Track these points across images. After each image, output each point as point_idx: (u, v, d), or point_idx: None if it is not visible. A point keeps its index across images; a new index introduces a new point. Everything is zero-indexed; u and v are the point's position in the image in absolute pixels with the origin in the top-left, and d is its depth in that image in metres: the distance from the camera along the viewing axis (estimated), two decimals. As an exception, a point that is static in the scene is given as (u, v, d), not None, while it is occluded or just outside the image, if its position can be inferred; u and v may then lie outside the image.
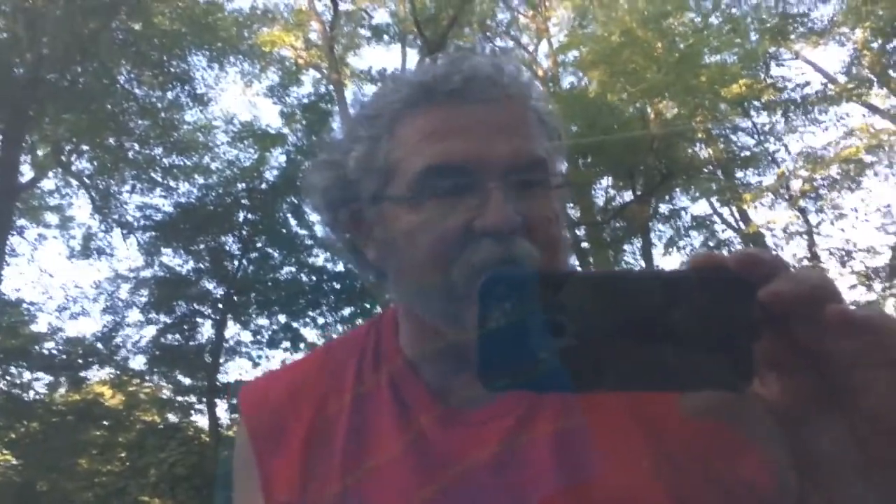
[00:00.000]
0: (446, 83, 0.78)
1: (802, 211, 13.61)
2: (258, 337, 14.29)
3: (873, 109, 14.08)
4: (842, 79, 14.19)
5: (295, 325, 14.24)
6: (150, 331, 14.02)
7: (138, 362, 14.26)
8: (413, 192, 0.76)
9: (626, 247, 15.10)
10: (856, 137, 13.30)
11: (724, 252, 0.44)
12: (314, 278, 14.16)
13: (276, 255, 14.36)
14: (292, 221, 13.94)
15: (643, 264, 14.39)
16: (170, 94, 13.62)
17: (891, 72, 13.73)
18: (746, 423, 0.44)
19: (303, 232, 13.91)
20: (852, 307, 0.41)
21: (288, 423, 0.85)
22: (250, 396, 0.91)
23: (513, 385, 0.42)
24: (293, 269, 14.34)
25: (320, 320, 14.25)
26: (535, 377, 0.42)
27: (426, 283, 0.76)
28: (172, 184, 13.90)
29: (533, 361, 0.41)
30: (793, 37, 14.60)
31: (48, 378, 13.83)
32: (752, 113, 14.23)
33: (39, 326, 13.79)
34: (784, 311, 0.41)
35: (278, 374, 0.97)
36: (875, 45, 13.57)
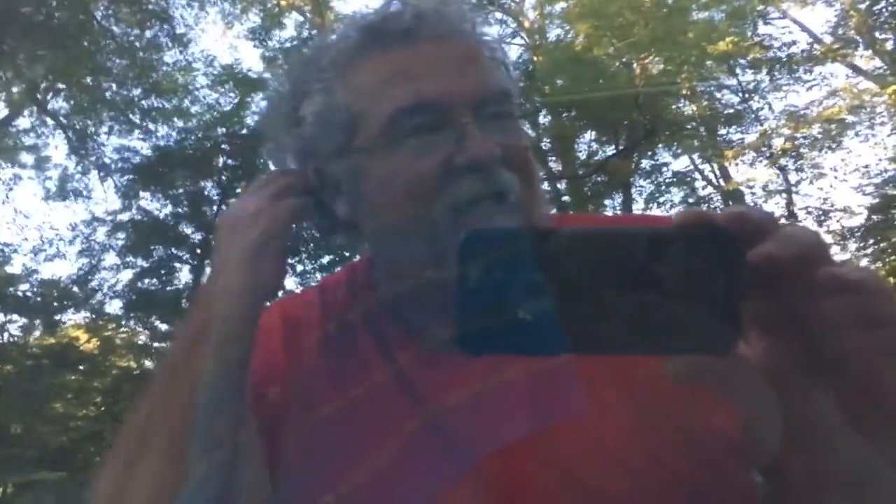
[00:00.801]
0: (396, 23, 0.76)
1: (783, 169, 13.73)
2: (236, 283, 14.21)
3: (857, 70, 14.15)
4: (828, 39, 14.23)
5: (273, 271, 14.17)
6: (127, 275, 13.95)
7: (114, 306, 14.20)
8: (385, 137, 0.74)
9: (606, 201, 15.16)
10: (839, 97, 13.40)
11: (707, 209, 0.43)
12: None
13: (255, 200, 14.22)
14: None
15: (624, 220, 14.43)
16: (148, 33, 13.26)
17: (877, 33, 13.78)
18: (731, 386, 0.42)
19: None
20: (845, 268, 0.40)
21: (267, 354, 0.83)
22: (271, 313, 0.90)
23: (492, 349, 0.41)
24: (272, 216, 14.22)
25: (299, 268, 14.21)
26: (515, 340, 0.40)
27: (409, 225, 0.74)
28: (151, 126, 13.65)
29: (513, 323, 0.40)
30: (781, -5, 14.57)
31: (23, 320, 13.76)
32: (738, 71, 14.27)
33: (14, 268, 13.68)
34: (774, 272, 0.40)
35: (295, 299, 0.96)
36: (862, 6, 13.59)
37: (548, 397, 0.72)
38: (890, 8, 13.39)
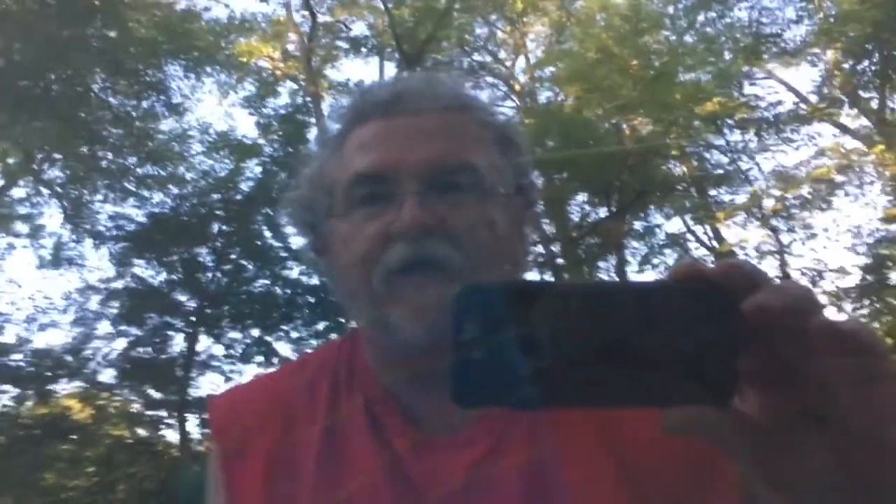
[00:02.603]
0: (378, 97, 0.82)
1: (774, 230, 13.79)
2: (231, 351, 14.16)
3: (844, 129, 14.35)
4: (813, 98, 14.46)
5: (268, 338, 14.14)
6: (121, 343, 13.81)
7: (108, 375, 14.00)
8: (344, 202, 0.79)
9: (600, 263, 15.18)
10: (827, 157, 13.55)
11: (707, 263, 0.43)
12: (288, 291, 14.07)
13: (250, 267, 14.25)
14: (267, 233, 13.83)
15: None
16: (145, 104, 13.46)
17: (861, 92, 14.00)
18: (727, 439, 0.42)
19: (277, 244, 13.81)
20: (837, 321, 0.39)
21: (253, 435, 0.83)
22: (220, 410, 0.90)
23: (488, 402, 0.41)
24: (267, 282, 14.25)
25: (294, 334, 14.16)
26: (510, 395, 0.40)
27: (354, 291, 0.78)
28: (146, 193, 13.72)
29: (508, 378, 0.39)
30: (766, 56, 14.84)
31: (15, 391, 13.51)
32: (726, 131, 14.45)
33: (7, 338, 13.48)
34: (767, 325, 0.39)
35: (248, 386, 0.96)
36: (846, 65, 13.84)
37: (542, 484, 0.72)
38: (873, 67, 13.63)
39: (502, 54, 17.70)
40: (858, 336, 0.39)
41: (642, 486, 0.70)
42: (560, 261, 14.54)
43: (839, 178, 13.26)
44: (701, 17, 15.03)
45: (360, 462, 0.78)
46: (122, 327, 13.66)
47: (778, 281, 0.41)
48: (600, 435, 0.73)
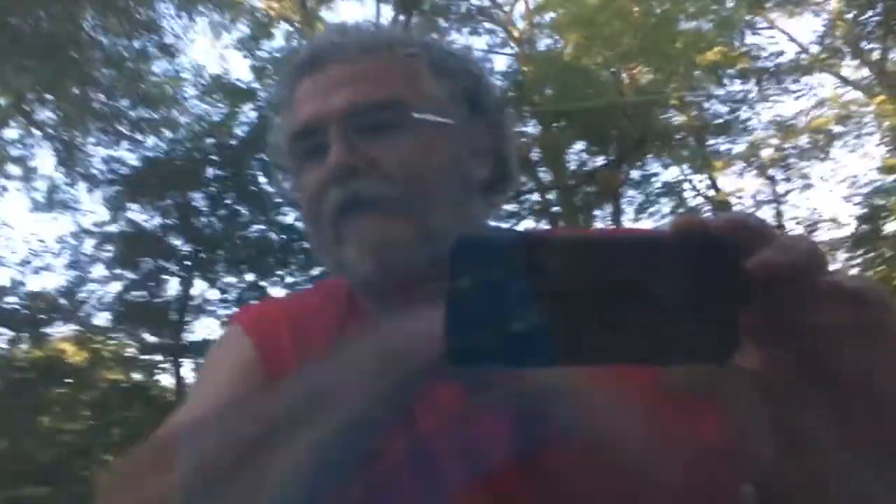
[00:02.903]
0: (314, 49, 0.84)
1: (771, 179, 13.84)
2: (225, 295, 14.20)
3: (844, 80, 14.29)
4: (815, 49, 14.36)
5: (263, 283, 14.15)
6: (115, 287, 13.81)
7: (102, 319, 14.05)
8: (289, 162, 0.83)
9: (596, 212, 15.21)
10: (826, 108, 13.55)
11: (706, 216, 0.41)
12: (283, 237, 14.03)
13: (244, 212, 14.17)
14: (262, 179, 13.72)
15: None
16: (136, 43, 13.16)
17: (863, 43, 13.91)
18: (727, 396, 0.41)
19: (272, 190, 13.70)
20: (843, 278, 0.39)
21: (285, 340, 0.83)
22: (250, 316, 0.89)
23: (483, 360, 0.39)
24: (262, 227, 14.19)
25: (289, 279, 14.18)
26: (505, 352, 0.39)
27: (315, 239, 0.82)
28: (139, 137, 13.54)
29: (505, 335, 0.38)
30: (769, 5, 14.68)
31: (9, 334, 13.52)
32: (726, 80, 14.36)
33: (1, 280, 13.47)
34: (772, 280, 0.38)
35: (273, 304, 0.99)
36: (849, 16, 13.72)
37: (534, 419, 0.72)
38: (876, 18, 13.52)
39: (501, -1, 17.42)
40: (864, 292, 0.39)
41: (632, 418, 0.69)
42: (556, 208, 14.56)
43: (838, 129, 13.29)
44: (704, -36, 14.82)
45: None
46: (117, 271, 13.68)
47: (784, 236, 0.40)
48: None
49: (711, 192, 14.54)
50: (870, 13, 13.50)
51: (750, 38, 14.57)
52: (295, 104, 0.82)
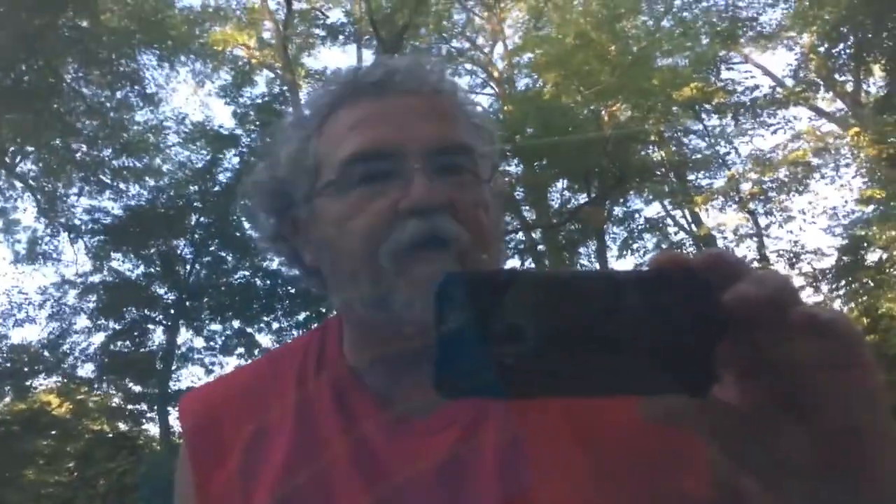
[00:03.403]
0: (369, 77, 0.81)
1: (752, 213, 13.92)
2: (211, 343, 14.13)
3: (820, 113, 14.51)
4: (789, 82, 14.59)
5: (249, 330, 14.10)
6: (99, 337, 13.75)
7: (87, 370, 13.95)
8: (339, 182, 0.77)
9: (581, 249, 15.26)
10: (803, 140, 13.69)
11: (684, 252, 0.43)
12: (268, 282, 13.98)
13: (229, 258, 14.16)
14: (246, 224, 13.71)
15: (598, 267, 14.54)
16: (119, 94, 13.29)
17: (836, 75, 14.14)
18: (705, 427, 0.42)
19: (257, 235, 13.69)
20: (816, 310, 0.40)
21: (228, 433, 0.82)
22: (190, 406, 0.88)
23: (469, 392, 0.40)
24: (247, 273, 14.15)
25: (275, 325, 14.12)
26: (491, 383, 0.39)
27: (356, 269, 0.75)
28: (122, 186, 13.59)
29: (490, 367, 0.39)
30: (742, 40, 14.96)
31: (-7, 387, 13.41)
32: (703, 116, 14.54)
33: (-17, 334, 13.35)
34: (747, 314, 0.39)
35: (219, 383, 0.96)
36: (822, 49, 13.95)
37: (513, 467, 0.72)
38: (848, 51, 13.75)
39: (480, 41, 17.70)
40: (836, 324, 0.39)
41: (612, 467, 0.70)
42: (541, 247, 14.60)
43: (815, 161, 13.41)
44: (678, 2, 15.09)
45: (328, 447, 0.78)
46: (101, 321, 13.58)
47: (758, 271, 0.41)
48: (570, 417, 0.73)
49: (694, 227, 14.60)
50: (841, 46, 13.74)
51: (725, 73, 14.82)
52: (352, 125, 0.79)
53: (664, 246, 14.87)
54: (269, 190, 0.85)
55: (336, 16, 15.88)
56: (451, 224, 0.74)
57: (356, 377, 0.82)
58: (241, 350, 13.69)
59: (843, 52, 13.87)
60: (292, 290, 13.64)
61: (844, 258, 12.79)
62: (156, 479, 10.22)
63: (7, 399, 13.91)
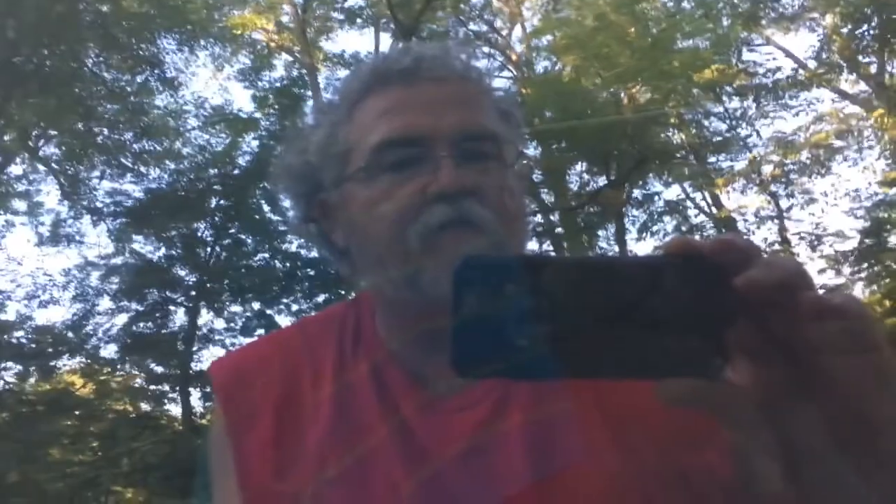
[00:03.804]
0: (397, 64, 0.83)
1: (773, 195, 13.80)
2: (231, 324, 14.25)
3: (843, 95, 14.30)
4: (812, 64, 14.38)
5: (269, 311, 14.19)
6: (122, 319, 13.87)
7: (109, 351, 14.07)
8: (370, 167, 0.79)
9: (600, 232, 15.18)
10: (825, 122, 13.53)
11: (698, 237, 0.44)
12: (288, 264, 14.08)
13: (249, 241, 14.28)
14: (265, 207, 13.81)
15: (617, 250, 14.49)
16: (139, 78, 13.37)
17: (860, 57, 13.91)
18: (720, 409, 0.43)
19: (276, 218, 13.75)
20: (826, 294, 0.41)
21: (260, 399, 0.84)
22: (222, 371, 0.91)
23: (487, 373, 0.41)
24: (266, 256, 14.26)
25: (294, 307, 14.20)
26: (509, 365, 0.41)
27: (385, 251, 0.78)
28: (143, 169, 13.71)
29: (508, 349, 0.40)
30: (764, 22, 14.74)
31: (17, 367, 13.63)
32: (724, 98, 14.38)
33: (8, 315, 13.55)
34: (758, 298, 0.41)
35: (251, 349, 0.98)
36: (845, 30, 13.74)
37: (542, 446, 0.74)
38: (872, 32, 13.53)
39: (498, 23, 17.56)
40: (847, 308, 0.40)
41: (638, 446, 0.72)
42: (559, 230, 14.55)
43: (838, 143, 13.27)
44: (699, -18, 14.91)
45: (367, 425, 0.80)
46: (123, 303, 13.72)
47: (769, 256, 0.42)
48: (597, 396, 0.74)
49: (714, 210, 14.49)
50: (865, 27, 13.52)
51: (747, 55, 14.62)
52: (382, 111, 0.81)
53: (684, 229, 14.78)
54: (299, 174, 0.88)
55: (354, -1, 15.88)
56: (479, 208, 0.76)
57: (392, 356, 0.84)
58: (260, 331, 13.74)
59: (866, 33, 13.63)
60: (311, 273, 13.72)
61: (867, 241, 12.68)
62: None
63: (32, 380, 14.15)
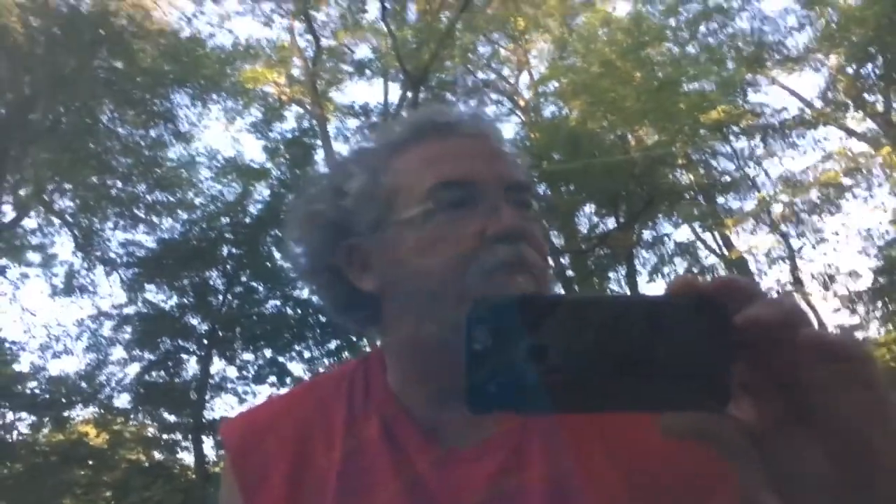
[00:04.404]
0: (440, 118, 0.89)
1: (784, 235, 13.70)
2: (244, 372, 14.19)
3: (850, 133, 14.27)
4: (818, 103, 14.42)
5: (281, 359, 14.15)
6: (134, 368, 13.92)
7: (123, 400, 14.12)
8: (424, 208, 0.81)
9: (610, 274, 15.11)
10: (834, 161, 13.48)
11: (706, 278, 0.46)
12: (299, 311, 14.10)
13: (260, 288, 14.34)
14: (277, 255, 13.91)
15: (628, 292, 14.38)
16: (153, 132, 13.70)
17: (866, 95, 13.93)
18: (724, 444, 0.44)
19: (287, 265, 13.86)
20: (824, 332, 0.42)
21: (272, 459, 0.85)
22: (234, 431, 0.92)
23: (498, 407, 0.43)
24: (278, 303, 14.29)
25: (306, 354, 14.17)
26: (519, 400, 0.43)
27: (441, 290, 0.78)
28: (156, 220, 13.93)
29: (519, 385, 0.42)
30: (769, 64, 14.84)
31: (32, 418, 13.67)
32: (732, 138, 14.41)
33: (22, 366, 13.71)
34: (759, 336, 0.42)
35: (262, 409, 0.97)
36: (850, 69, 13.78)
37: (562, 500, 0.76)
38: (877, 70, 13.57)
39: (506, 71, 17.84)
40: (843, 347, 0.42)
41: (649, 494, 0.74)
42: (570, 273, 14.51)
43: (847, 182, 13.21)
44: (703, 28, 15.11)
45: (381, 482, 0.80)
46: (136, 352, 13.78)
47: (770, 295, 0.44)
48: (608, 447, 0.77)
49: (725, 251, 14.40)
50: (870, 66, 13.57)
51: (753, 97, 14.69)
52: (431, 159, 0.84)
53: (695, 270, 14.67)
54: (327, 220, 0.89)
55: (363, 52, 16.24)
56: (531, 252, 0.80)
57: (404, 411, 0.85)
58: (272, 379, 13.75)
59: (871, 72, 13.70)
60: (323, 319, 13.73)
61: (880, 279, 12.50)
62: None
63: (46, 430, 14.17)
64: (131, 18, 12.81)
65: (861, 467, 0.42)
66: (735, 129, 14.15)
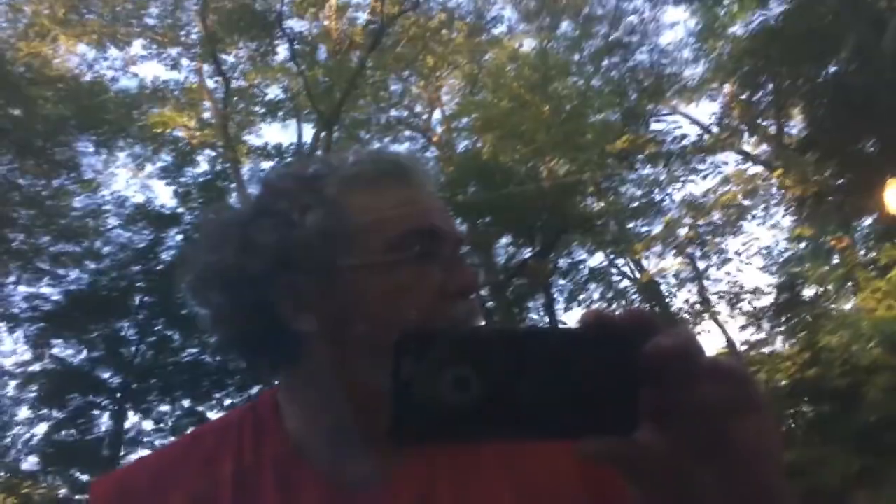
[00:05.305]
0: (404, 161, 0.88)
1: (690, 257, 14.21)
2: (161, 424, 13.77)
3: (746, 156, 14.98)
4: (715, 129, 15.10)
5: (200, 408, 13.80)
6: (42, 428, 13.37)
7: (31, 463, 13.50)
8: (390, 255, 0.79)
9: (529, 304, 15.33)
10: (732, 183, 14.11)
11: (619, 304, 0.51)
12: (218, 358, 13.74)
13: (176, 337, 13.94)
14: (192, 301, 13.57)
15: (547, 320, 14.63)
16: (55, 182, 13.24)
17: (759, 120, 14.68)
18: (630, 467, 0.48)
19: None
20: (717, 359, 0.48)
21: None
22: (104, 492, 0.85)
23: (423, 438, 0.45)
24: (195, 351, 13.92)
25: (227, 401, 13.83)
26: (443, 429, 0.44)
27: (372, 338, 0.76)
28: (61, 271, 13.39)
29: (442, 414, 0.44)
30: (668, 94, 15.50)
31: (-69, 488, 12.87)
32: (637, 165, 14.94)
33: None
34: (662, 364, 0.45)
35: (140, 468, 0.90)
36: (743, 97, 14.52)
37: None
38: (768, 97, 14.32)
39: (418, 108, 18.06)
40: (733, 371, 0.47)
41: None
42: (490, 303, 14.63)
43: (746, 203, 13.81)
44: (605, 62, 15.71)
45: None
46: (43, 411, 13.20)
47: (670, 327, 0.48)
48: (516, 479, 0.78)
49: (637, 275, 14.83)
50: (761, 93, 14.31)
51: (655, 125, 15.31)
52: (395, 203, 0.82)
53: (610, 295, 15.03)
54: (269, 251, 0.80)
55: (274, 92, 16.12)
56: (477, 304, 0.86)
57: (299, 453, 0.82)
58: (192, 429, 13.34)
59: (763, 98, 14.45)
60: (242, 365, 13.40)
61: (783, 295, 13.08)
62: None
63: (-52, 499, 13.35)
64: (29, 66, 12.45)
65: (757, 489, 0.47)
66: (640, 156, 14.69)
